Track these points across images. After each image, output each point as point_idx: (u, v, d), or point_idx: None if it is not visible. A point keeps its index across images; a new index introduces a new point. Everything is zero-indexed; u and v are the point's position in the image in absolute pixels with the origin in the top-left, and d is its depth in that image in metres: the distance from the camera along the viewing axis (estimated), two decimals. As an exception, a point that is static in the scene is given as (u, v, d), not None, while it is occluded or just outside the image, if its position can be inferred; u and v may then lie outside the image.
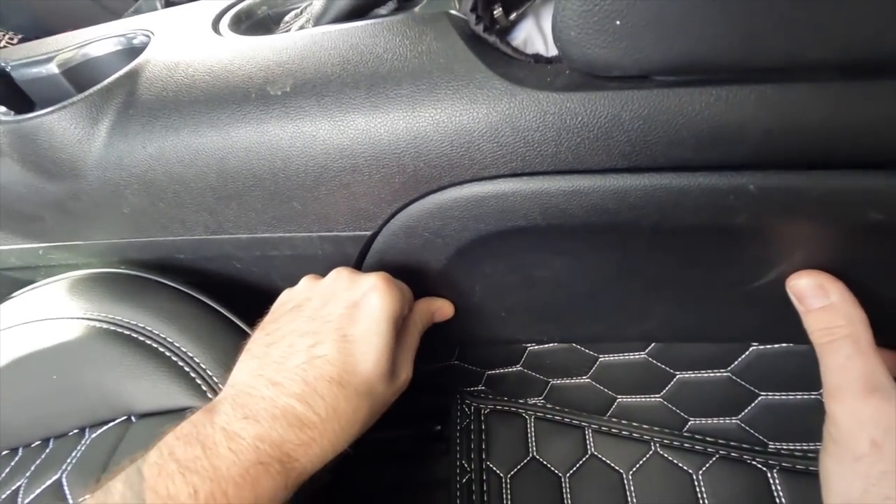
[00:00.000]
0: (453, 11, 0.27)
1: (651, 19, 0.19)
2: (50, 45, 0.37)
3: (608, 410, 0.40)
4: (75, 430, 0.31)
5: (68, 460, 0.29)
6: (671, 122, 0.21)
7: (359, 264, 0.32)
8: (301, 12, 0.35)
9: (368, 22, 0.28)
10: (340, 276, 0.27)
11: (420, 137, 0.24)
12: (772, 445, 0.36)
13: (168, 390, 0.29)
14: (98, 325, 0.31)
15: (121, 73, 0.30)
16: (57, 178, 0.31)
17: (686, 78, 0.21)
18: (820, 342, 0.23)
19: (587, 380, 0.39)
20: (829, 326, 0.23)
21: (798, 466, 0.35)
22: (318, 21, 0.32)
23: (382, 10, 0.32)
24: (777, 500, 0.35)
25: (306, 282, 0.29)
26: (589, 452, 0.40)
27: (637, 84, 0.21)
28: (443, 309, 0.33)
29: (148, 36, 0.34)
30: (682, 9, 0.19)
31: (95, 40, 0.36)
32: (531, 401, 0.43)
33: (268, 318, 0.27)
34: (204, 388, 0.28)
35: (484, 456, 0.42)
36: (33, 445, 0.32)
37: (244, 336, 0.32)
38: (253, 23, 0.37)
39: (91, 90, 0.30)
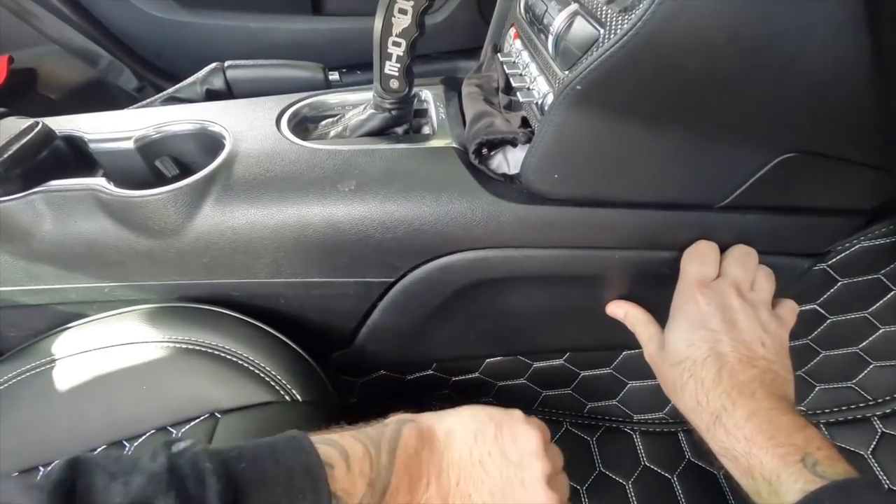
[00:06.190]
0: (454, 145, 0.44)
1: (571, 176, 0.38)
2: (126, 120, 0.47)
3: (535, 402, 0.58)
4: (152, 431, 0.40)
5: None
6: (584, 223, 0.40)
7: (378, 299, 0.46)
8: (337, 121, 0.49)
9: (401, 147, 0.44)
10: (534, 466, 0.32)
11: (440, 222, 0.40)
12: (636, 417, 0.56)
13: (247, 391, 0.39)
14: (180, 346, 0.41)
15: (216, 164, 0.42)
16: (154, 236, 0.41)
17: (586, 202, 0.40)
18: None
19: (523, 381, 0.56)
20: (633, 323, 0.44)
21: (652, 429, 0.55)
22: (354, 132, 0.47)
23: (398, 130, 0.48)
24: (639, 453, 0.54)
25: (533, 439, 0.33)
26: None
27: (565, 202, 0.40)
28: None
29: (221, 127, 0.46)
30: (583, 173, 0.38)
31: (172, 123, 0.47)
32: (482, 399, 0.59)
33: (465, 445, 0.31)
34: (277, 387, 0.40)
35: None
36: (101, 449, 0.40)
37: (293, 352, 0.44)
38: (297, 121, 0.50)
39: (197, 176, 0.41)
